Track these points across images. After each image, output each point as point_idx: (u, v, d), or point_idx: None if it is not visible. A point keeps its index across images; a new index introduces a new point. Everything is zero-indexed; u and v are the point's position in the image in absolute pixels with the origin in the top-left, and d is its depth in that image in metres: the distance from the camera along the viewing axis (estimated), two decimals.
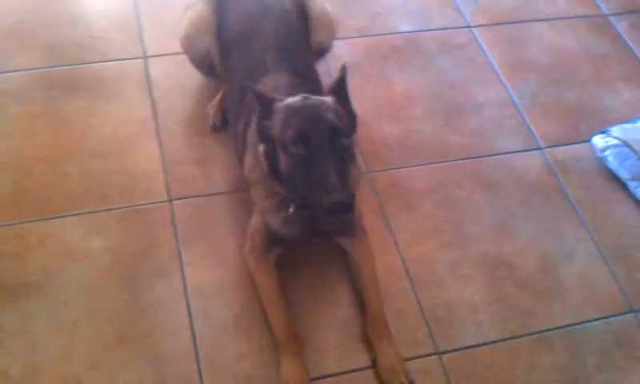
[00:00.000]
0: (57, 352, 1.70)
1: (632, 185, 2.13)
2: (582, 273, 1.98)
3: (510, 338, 1.83)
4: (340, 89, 1.70)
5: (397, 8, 2.65)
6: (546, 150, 2.25)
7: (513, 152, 2.24)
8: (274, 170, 1.68)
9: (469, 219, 2.06)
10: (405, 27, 2.57)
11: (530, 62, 2.51)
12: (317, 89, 1.93)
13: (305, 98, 1.65)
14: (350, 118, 1.70)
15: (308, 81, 1.92)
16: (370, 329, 1.78)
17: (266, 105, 1.66)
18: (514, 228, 2.05)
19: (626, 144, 2.16)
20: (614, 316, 1.91)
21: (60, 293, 1.80)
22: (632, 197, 2.14)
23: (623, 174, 2.15)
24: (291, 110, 1.62)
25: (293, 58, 1.93)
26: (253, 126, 1.78)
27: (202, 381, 1.67)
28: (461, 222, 2.05)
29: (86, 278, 1.83)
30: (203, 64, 2.14)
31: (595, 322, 1.89)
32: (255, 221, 1.83)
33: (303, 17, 2.10)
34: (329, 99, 1.66)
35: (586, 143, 2.27)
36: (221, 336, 1.76)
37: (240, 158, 1.93)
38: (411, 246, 1.97)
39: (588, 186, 2.17)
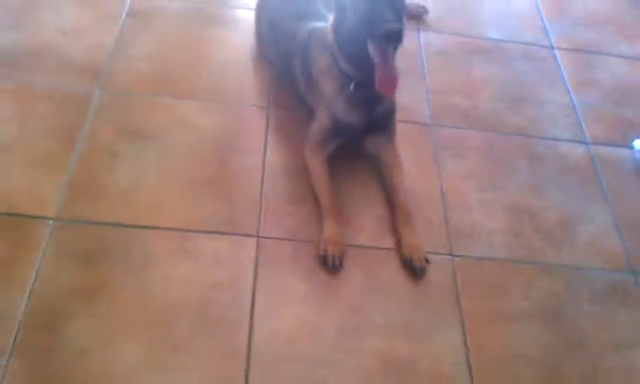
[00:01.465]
0: (155, 181, 2.19)
1: None
2: (595, 234, 2.27)
3: (516, 261, 2.15)
4: None
5: (493, 19, 3.10)
6: (592, 145, 2.57)
7: (561, 140, 2.57)
8: (338, 39, 2.17)
9: (507, 176, 2.41)
10: (495, 35, 3.01)
11: (597, 83, 2.85)
12: None
13: None
14: None
15: None
16: (397, 218, 2.17)
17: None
18: (545, 191, 2.38)
19: None
20: (613, 271, 2.18)
21: (169, 145, 2.31)
22: None
23: None
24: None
25: None
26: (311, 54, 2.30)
27: (259, 222, 2.12)
28: (500, 176, 2.40)
29: (190, 141, 2.33)
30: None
31: (595, 270, 2.18)
32: (318, 118, 2.29)
33: None
34: None
35: (629, 149, 2.57)
36: (280, 200, 2.20)
37: (304, 92, 2.40)
38: (451, 181, 2.35)
39: (620, 177, 2.47)
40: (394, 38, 2.02)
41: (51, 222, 2.03)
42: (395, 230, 2.16)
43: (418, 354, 1.89)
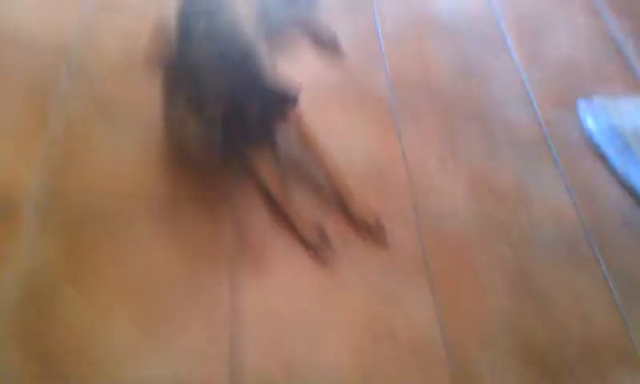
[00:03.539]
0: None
1: (605, 147, 2.55)
2: (548, 196, 2.40)
3: (477, 221, 2.27)
4: None
5: None
6: (539, 110, 2.71)
7: (511, 106, 2.71)
8: None
9: (463, 142, 2.53)
10: (444, 10, 3.12)
11: (542, 54, 3.01)
12: None
13: None
14: None
15: None
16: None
17: None
18: (500, 157, 2.50)
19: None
20: (568, 229, 2.32)
21: (143, 120, 2.33)
22: (604, 157, 2.55)
23: (600, 139, 2.57)
24: None
25: None
26: None
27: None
28: (456, 141, 2.52)
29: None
30: None
31: (551, 231, 2.30)
32: None
33: None
34: None
35: (573, 111, 2.72)
36: None
37: None
38: (411, 147, 2.43)
39: (569, 143, 2.60)
40: None
41: (31, 194, 2.05)
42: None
43: (394, 315, 1.99)
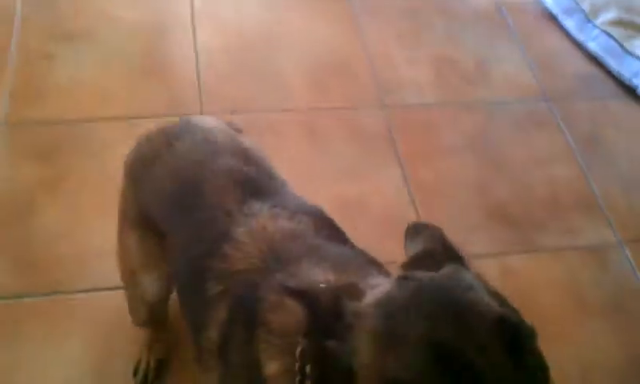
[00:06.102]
0: (93, 76, 2.28)
1: (561, 17, 2.64)
2: (510, 71, 2.50)
3: (441, 104, 2.36)
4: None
5: None
6: None
7: None
8: None
9: (425, 28, 2.60)
10: None
11: None
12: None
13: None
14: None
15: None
16: None
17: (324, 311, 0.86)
18: (461, 39, 2.58)
19: None
20: (529, 100, 2.42)
21: (100, 41, 2.39)
22: (560, 27, 2.65)
23: (555, 10, 2.66)
24: (397, 306, 0.82)
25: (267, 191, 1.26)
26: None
27: (201, 100, 2.25)
28: (419, 31, 2.59)
29: (121, 34, 2.42)
30: None
31: (513, 102, 2.41)
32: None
33: None
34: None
35: None
36: (219, 77, 2.33)
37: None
38: (374, 41, 2.51)
39: (525, 17, 2.69)
40: None
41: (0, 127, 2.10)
42: None
43: (366, 192, 2.08)
